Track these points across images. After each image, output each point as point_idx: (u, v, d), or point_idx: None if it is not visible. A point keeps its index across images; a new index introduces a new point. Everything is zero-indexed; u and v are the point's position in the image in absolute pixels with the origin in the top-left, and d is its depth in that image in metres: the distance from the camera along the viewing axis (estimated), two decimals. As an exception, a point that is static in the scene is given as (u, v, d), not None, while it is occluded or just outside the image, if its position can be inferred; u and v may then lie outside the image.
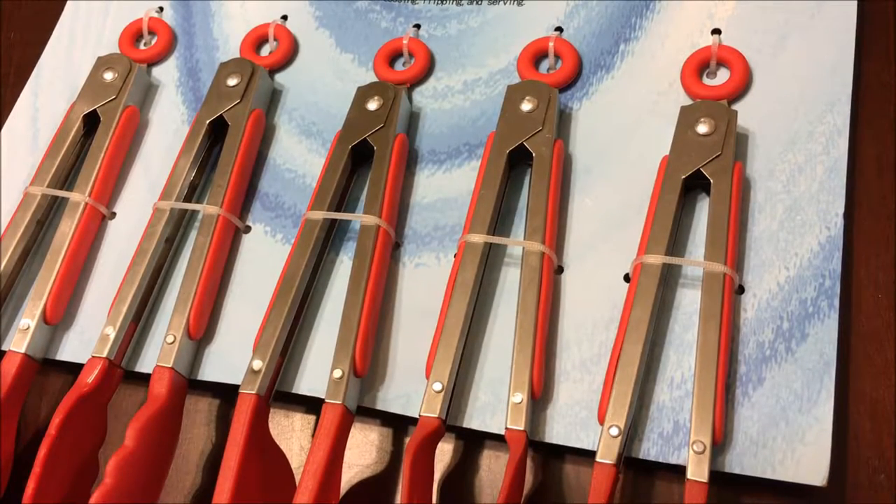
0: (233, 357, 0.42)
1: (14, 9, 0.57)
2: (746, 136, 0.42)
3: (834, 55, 0.42)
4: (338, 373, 0.38)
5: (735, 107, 0.42)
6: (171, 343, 0.40)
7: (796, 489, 0.35)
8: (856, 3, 0.43)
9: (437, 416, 0.37)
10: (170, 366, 0.40)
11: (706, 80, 0.44)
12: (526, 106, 0.43)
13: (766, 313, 0.38)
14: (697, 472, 0.34)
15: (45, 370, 0.44)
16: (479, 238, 0.40)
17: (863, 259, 0.40)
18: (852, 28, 0.43)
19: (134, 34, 0.52)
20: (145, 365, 0.42)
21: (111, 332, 0.41)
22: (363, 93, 0.46)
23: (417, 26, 0.49)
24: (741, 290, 0.39)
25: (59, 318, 0.44)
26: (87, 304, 0.45)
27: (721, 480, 0.36)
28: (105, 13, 0.54)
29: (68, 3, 0.55)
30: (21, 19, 0.57)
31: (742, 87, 0.43)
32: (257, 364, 0.39)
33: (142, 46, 0.52)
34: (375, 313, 0.40)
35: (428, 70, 0.48)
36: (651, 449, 0.37)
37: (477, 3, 0.49)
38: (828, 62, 0.42)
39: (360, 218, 0.42)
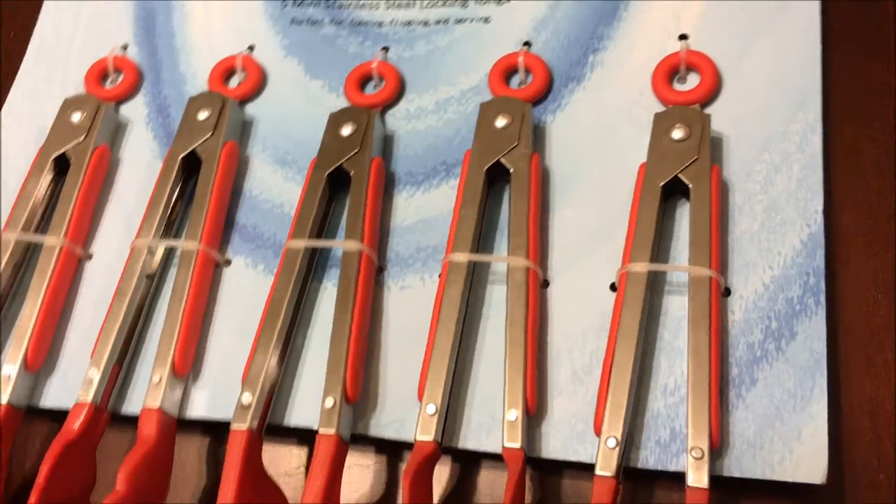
0: (221, 392, 0.41)
1: (14, 9, 0.57)
2: (721, 139, 0.42)
3: (801, 53, 0.43)
4: (329, 401, 0.37)
5: (707, 110, 0.43)
6: (158, 383, 0.40)
7: (795, 489, 0.35)
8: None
9: (432, 439, 0.36)
10: (157, 406, 0.39)
11: (677, 86, 0.44)
12: (500, 122, 0.43)
13: (754, 314, 0.38)
14: (697, 478, 0.34)
15: (30, 418, 0.43)
16: (462, 257, 0.40)
17: (863, 259, 0.40)
18: (817, 25, 0.43)
19: (99, 73, 0.51)
20: (132, 406, 0.42)
21: (95, 376, 0.40)
22: (336, 118, 0.45)
23: (386, 49, 0.49)
24: (727, 292, 0.39)
25: (40, 365, 0.43)
26: (68, 348, 0.44)
27: (719, 483, 0.36)
28: (68, 54, 0.53)
29: (30, 46, 0.54)
30: (22, 20, 0.56)
31: (713, 90, 0.43)
32: (247, 398, 0.38)
33: (108, 85, 0.51)
34: (364, 339, 0.40)
35: (399, 92, 0.47)
36: (649, 457, 0.36)
37: (444, 22, 0.49)
38: (796, 61, 0.43)
39: (341, 245, 0.41)
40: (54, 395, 0.43)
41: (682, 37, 0.45)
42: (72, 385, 0.42)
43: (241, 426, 0.37)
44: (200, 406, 0.41)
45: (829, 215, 0.40)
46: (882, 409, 0.37)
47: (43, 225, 0.47)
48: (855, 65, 0.43)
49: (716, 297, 0.37)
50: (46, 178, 0.47)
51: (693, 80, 0.44)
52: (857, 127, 0.42)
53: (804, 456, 0.35)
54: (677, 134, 0.41)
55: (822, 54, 0.43)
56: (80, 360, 0.43)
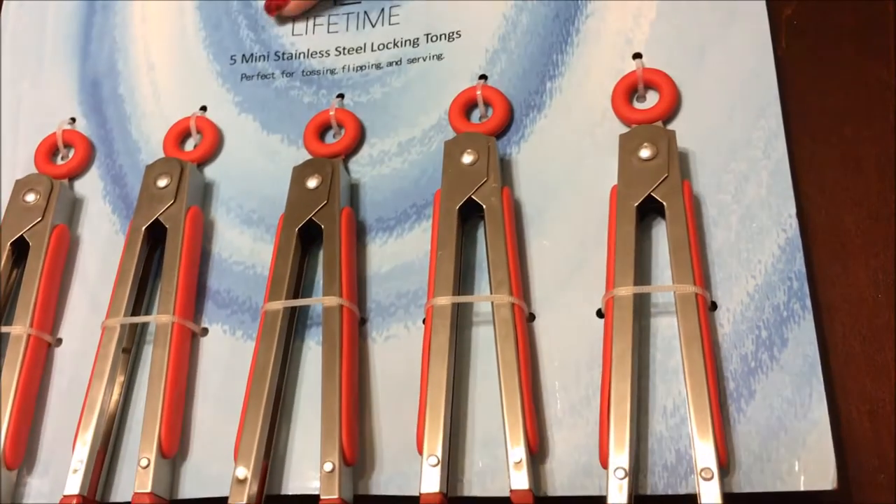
0: (213, 468, 0.40)
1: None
2: (687, 154, 0.42)
3: (754, 59, 0.43)
4: (328, 466, 0.36)
5: (670, 126, 0.43)
6: (146, 466, 0.38)
7: (801, 493, 0.35)
8: (764, 2, 0.44)
9: (437, 490, 0.35)
10: (148, 490, 0.38)
11: (637, 105, 0.44)
12: (466, 158, 0.42)
13: (743, 325, 0.38)
14: (710, 499, 0.33)
15: (14, 518, 0.42)
16: (445, 300, 0.39)
17: (862, 259, 0.40)
18: (766, 30, 0.44)
19: (49, 149, 0.50)
20: (121, 492, 0.40)
21: (80, 466, 0.39)
22: (300, 172, 0.45)
23: (341, 96, 0.48)
24: (714, 306, 0.38)
25: (19, 461, 0.41)
26: (46, 439, 0.43)
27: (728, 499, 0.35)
28: (15, 132, 0.52)
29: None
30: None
31: (673, 106, 0.43)
32: (241, 472, 0.37)
33: (59, 161, 0.50)
34: (355, 397, 0.39)
35: (360, 138, 0.47)
36: (658, 483, 0.36)
37: (396, 63, 0.48)
38: (750, 67, 0.43)
39: (320, 301, 0.41)
40: (37, 491, 0.41)
41: (637, 55, 0.45)
42: (54, 477, 0.41)
43: (239, 502, 0.36)
44: (192, 485, 0.40)
45: (829, 215, 0.40)
46: (882, 409, 0.36)
47: (7, 314, 0.45)
48: (855, 65, 0.43)
49: (704, 312, 0.37)
50: (6, 265, 0.45)
51: (652, 98, 0.44)
52: (857, 127, 0.42)
53: (812, 463, 0.35)
54: (645, 153, 0.41)
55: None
56: (59, 451, 0.42)
